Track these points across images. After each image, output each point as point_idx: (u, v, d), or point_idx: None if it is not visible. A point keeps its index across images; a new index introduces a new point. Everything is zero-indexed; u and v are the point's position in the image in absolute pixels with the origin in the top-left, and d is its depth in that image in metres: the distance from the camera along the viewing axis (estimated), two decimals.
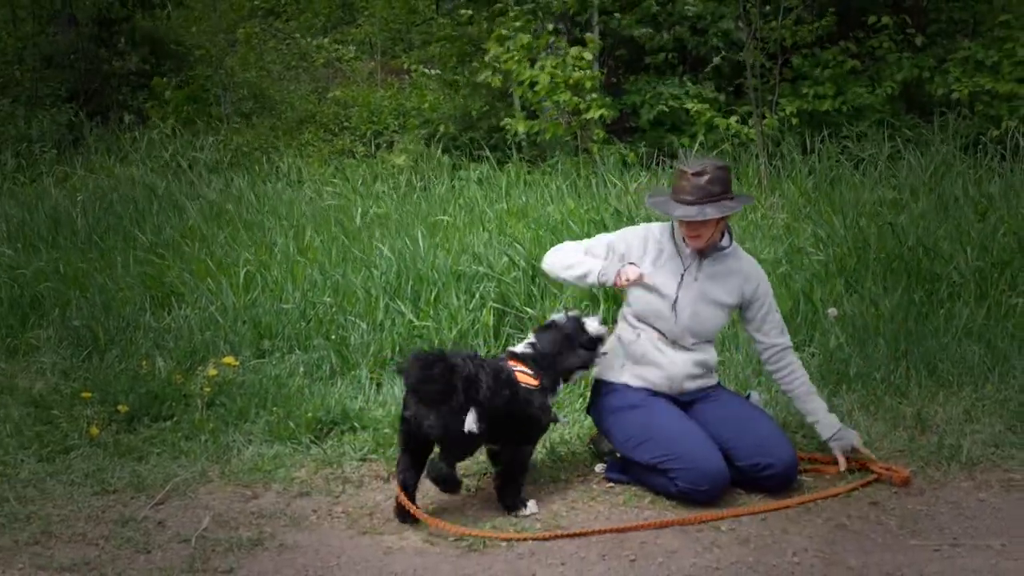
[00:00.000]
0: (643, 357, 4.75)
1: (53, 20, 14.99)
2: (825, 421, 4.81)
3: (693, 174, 4.59)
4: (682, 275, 4.73)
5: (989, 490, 4.65)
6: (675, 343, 4.75)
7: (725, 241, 4.78)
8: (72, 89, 14.20)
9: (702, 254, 4.74)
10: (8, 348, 6.73)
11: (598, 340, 4.73)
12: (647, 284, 4.68)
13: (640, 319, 4.78)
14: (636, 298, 4.77)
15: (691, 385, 4.81)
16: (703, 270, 4.75)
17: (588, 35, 11.25)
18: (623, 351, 4.82)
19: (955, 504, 4.52)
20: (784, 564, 4.01)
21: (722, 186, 4.61)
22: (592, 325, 4.72)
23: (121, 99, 13.94)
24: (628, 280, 4.60)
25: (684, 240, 4.72)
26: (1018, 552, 4.05)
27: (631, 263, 4.68)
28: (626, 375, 4.80)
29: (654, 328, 4.75)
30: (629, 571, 3.97)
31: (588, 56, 10.86)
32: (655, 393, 4.76)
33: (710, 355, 4.87)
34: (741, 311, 4.88)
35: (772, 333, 4.87)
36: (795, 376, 4.87)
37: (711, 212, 4.57)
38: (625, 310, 4.88)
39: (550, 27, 11.40)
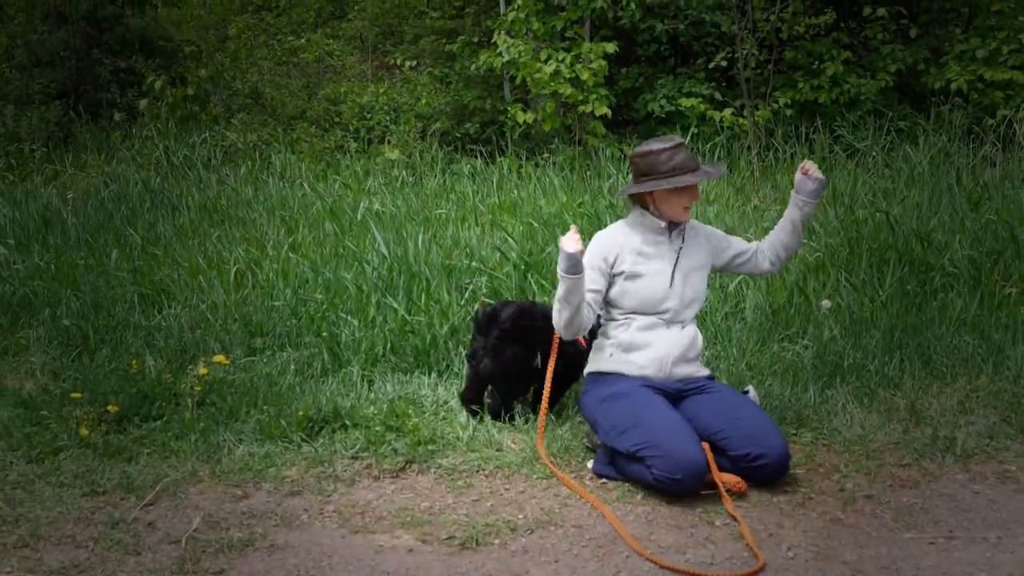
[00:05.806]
0: (631, 344, 4.79)
1: (43, 18, 14.91)
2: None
3: (681, 145, 4.78)
4: (678, 250, 4.88)
5: (984, 482, 4.62)
6: (671, 322, 4.82)
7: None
8: (62, 87, 14.13)
9: (675, 229, 4.88)
10: None
11: None
12: (637, 272, 4.80)
13: (636, 312, 4.82)
14: (629, 293, 4.81)
15: (680, 371, 4.81)
16: (682, 243, 4.90)
17: (597, 42, 11.18)
18: (611, 342, 4.86)
19: (950, 497, 4.49)
20: (778, 559, 3.98)
21: None
22: None
23: (111, 97, 13.87)
24: (570, 242, 4.57)
25: (664, 223, 4.84)
26: (1013, 544, 4.02)
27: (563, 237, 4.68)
28: (615, 363, 4.82)
29: (652, 315, 4.80)
30: (623, 568, 3.94)
31: (605, 51, 10.85)
32: (646, 385, 4.74)
33: (698, 334, 4.93)
34: (715, 265, 5.05)
35: (742, 247, 5.08)
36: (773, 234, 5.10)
37: (719, 171, 5.14)
38: (610, 309, 4.92)
39: (563, 14, 11.36)
